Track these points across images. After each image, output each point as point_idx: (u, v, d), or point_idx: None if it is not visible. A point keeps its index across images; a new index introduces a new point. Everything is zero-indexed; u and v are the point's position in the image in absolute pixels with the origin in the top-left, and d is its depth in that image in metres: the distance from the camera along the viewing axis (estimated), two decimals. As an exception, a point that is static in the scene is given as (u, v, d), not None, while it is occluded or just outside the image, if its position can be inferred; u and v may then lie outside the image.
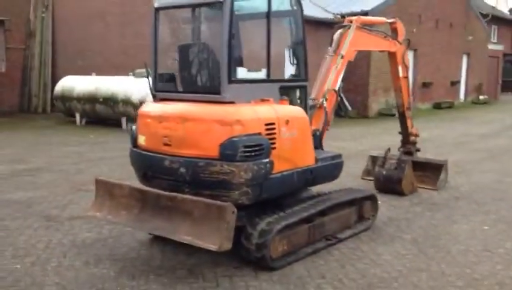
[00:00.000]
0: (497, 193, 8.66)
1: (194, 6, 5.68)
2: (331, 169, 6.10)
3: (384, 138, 14.84)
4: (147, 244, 5.89)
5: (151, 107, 5.64)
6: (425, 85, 26.56)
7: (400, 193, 8.24)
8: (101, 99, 16.84)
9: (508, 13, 52.76)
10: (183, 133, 5.11)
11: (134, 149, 5.66)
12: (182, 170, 5.06)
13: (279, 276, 5.03)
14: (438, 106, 27.10)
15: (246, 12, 5.90)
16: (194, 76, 5.62)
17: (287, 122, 5.34)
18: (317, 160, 5.81)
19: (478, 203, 7.97)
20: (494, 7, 45.71)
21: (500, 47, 39.20)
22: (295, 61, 6.03)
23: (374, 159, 9.37)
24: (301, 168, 5.55)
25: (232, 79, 5.15)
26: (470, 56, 32.20)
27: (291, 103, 5.73)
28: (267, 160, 5.04)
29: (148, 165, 5.44)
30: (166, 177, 5.25)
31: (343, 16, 21.04)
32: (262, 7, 5.54)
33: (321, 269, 5.23)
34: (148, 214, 5.10)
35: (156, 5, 5.73)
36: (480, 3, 37.74)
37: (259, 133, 5.04)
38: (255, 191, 5.02)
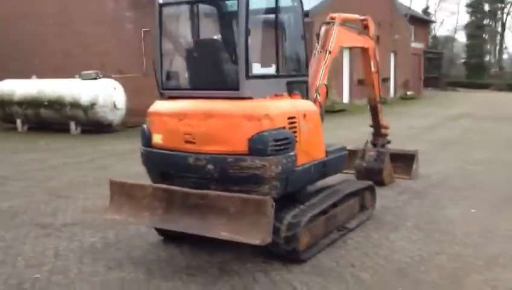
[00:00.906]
0: (467, 179, 9.18)
1: (202, 2, 5.61)
2: (339, 161, 6.25)
3: (339, 133, 15.26)
4: (162, 246, 5.76)
5: (165, 105, 5.51)
6: (360, 82, 27.45)
7: (381, 183, 8.51)
8: (45, 103, 16.14)
9: (422, 13, 55.86)
10: (207, 129, 5.05)
11: (148, 148, 5.52)
12: (210, 166, 5.00)
13: (311, 268, 5.10)
14: (372, 102, 28.06)
15: (254, 8, 5.89)
16: (206, 73, 5.54)
17: (305, 115, 5.43)
18: (327, 153, 5.93)
19: (455, 189, 8.42)
20: (409, 7, 48.15)
21: (420, 45, 41.40)
22: (295, 57, 6.11)
23: (349, 153, 9.62)
24: (317, 160, 5.66)
25: (250, 75, 5.16)
26: (397, 54, 33.71)
27: None
28: (293, 153, 5.10)
29: (168, 164, 5.33)
30: (190, 175, 5.17)
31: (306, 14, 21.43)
32: (270, 3, 5.58)
33: (347, 258, 5.36)
34: (175, 213, 5.00)
35: (160, 0, 5.58)
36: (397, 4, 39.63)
37: (284, 127, 5.09)
38: (282, 185, 5.06)
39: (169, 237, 5.85)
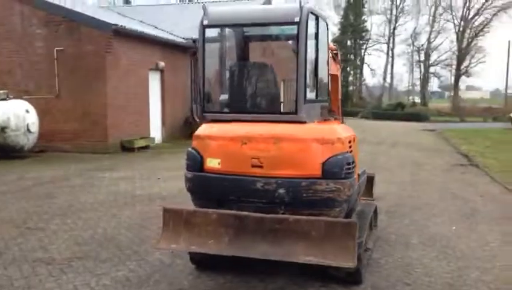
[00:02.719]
0: (417, 199, 9.79)
1: (259, 25, 5.53)
2: (363, 184, 6.46)
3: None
4: (202, 276, 5.47)
5: (219, 129, 5.28)
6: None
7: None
8: None
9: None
10: (277, 153, 4.97)
11: (200, 173, 5.25)
12: (281, 191, 4.91)
13: (372, 288, 5.20)
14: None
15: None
16: (257, 96, 5.46)
17: (354, 139, 5.59)
18: (358, 176, 6.11)
19: (416, 209, 8.96)
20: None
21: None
22: (323, 82, 6.24)
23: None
24: (358, 183, 5.81)
25: (306, 99, 5.20)
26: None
27: None
28: (355, 176, 5.21)
29: (230, 189, 5.11)
30: (256, 200, 5.02)
31: (194, 41, 21.41)
32: (312, 29, 5.65)
33: (395, 277, 5.54)
34: (246, 239, 4.80)
35: (205, 22, 5.38)
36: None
37: (348, 151, 5.19)
38: (347, 207, 5.15)
39: (203, 264, 5.62)
